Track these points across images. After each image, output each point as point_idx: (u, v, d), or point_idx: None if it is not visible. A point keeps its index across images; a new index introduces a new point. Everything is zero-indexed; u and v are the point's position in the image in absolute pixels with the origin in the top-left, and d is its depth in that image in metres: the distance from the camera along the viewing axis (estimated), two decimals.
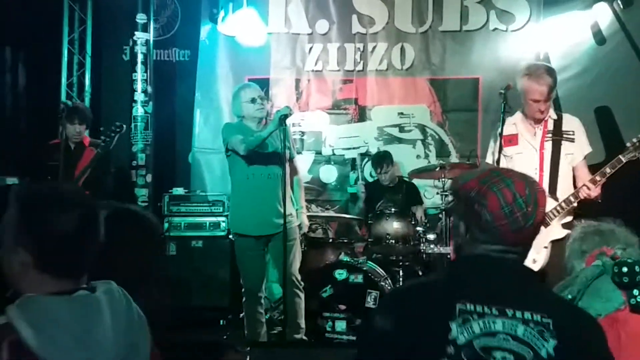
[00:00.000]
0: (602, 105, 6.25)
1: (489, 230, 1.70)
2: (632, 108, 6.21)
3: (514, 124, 4.11)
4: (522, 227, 1.69)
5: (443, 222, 5.82)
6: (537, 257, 3.82)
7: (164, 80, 6.75)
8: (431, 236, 5.70)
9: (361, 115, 6.67)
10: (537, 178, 3.84)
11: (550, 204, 3.78)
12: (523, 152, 3.99)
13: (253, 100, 4.65)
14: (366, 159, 6.63)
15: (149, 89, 6.46)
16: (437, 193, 6.02)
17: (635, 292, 2.16)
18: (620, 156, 3.78)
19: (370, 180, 6.56)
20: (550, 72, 4.00)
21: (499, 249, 1.71)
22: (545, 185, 3.88)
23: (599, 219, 2.52)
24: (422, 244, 5.58)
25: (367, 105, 6.66)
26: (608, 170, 3.79)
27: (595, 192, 3.80)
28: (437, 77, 6.55)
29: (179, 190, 6.38)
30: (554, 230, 3.84)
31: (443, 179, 5.88)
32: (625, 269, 2.19)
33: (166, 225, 6.13)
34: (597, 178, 3.80)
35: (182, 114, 6.91)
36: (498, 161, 3.87)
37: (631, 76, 6.24)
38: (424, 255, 5.72)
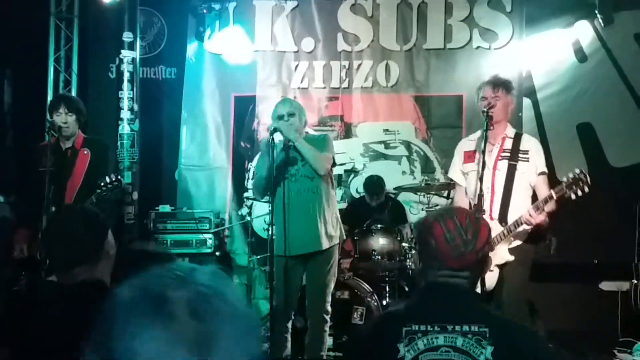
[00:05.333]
0: (584, 122, 6.35)
1: (436, 257, 1.92)
2: (613, 124, 6.32)
3: (474, 140, 4.07)
4: (464, 253, 1.90)
5: None
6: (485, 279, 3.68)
7: (150, 98, 6.69)
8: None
9: (347, 131, 6.70)
10: (488, 198, 3.82)
11: (497, 229, 3.70)
12: (477, 169, 3.85)
13: (280, 118, 4.30)
14: (352, 175, 6.67)
15: (136, 107, 6.36)
16: (423, 209, 6.12)
17: None
18: (552, 191, 3.73)
19: (357, 196, 6.58)
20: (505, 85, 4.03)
21: (446, 273, 1.92)
22: (496, 207, 3.83)
23: None
24: (408, 260, 5.61)
25: (352, 122, 6.70)
26: (550, 197, 3.69)
27: (538, 218, 3.68)
28: (421, 94, 6.59)
29: (166, 208, 6.38)
30: (500, 254, 3.75)
31: (428, 196, 5.98)
32: None
33: (153, 242, 6.01)
34: (540, 204, 3.71)
35: (168, 131, 6.93)
36: (481, 178, 3.74)
37: (613, 93, 6.33)
38: (410, 271, 5.70)
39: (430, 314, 1.88)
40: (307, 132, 4.41)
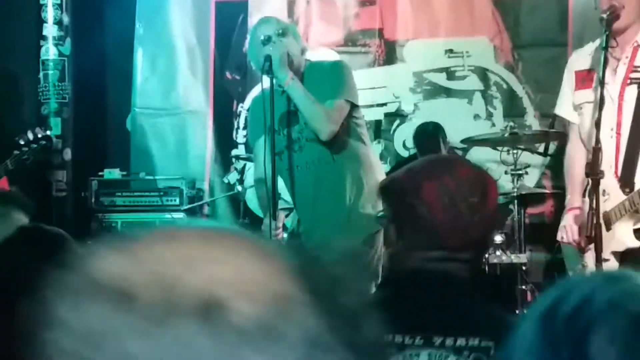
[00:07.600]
0: None
1: (426, 230, 1.58)
2: None
3: (590, 53, 3.35)
4: (470, 223, 1.56)
5: (515, 217, 4.87)
6: None
7: (87, 6, 5.69)
8: (498, 238, 4.73)
9: (389, 54, 5.58)
10: (612, 146, 3.14)
11: (617, 197, 3.04)
12: (594, 99, 3.16)
13: (267, 41, 3.55)
14: (397, 122, 5.59)
15: (65, 19, 5.43)
16: (506, 172, 4.87)
17: None
18: None
19: (404, 154, 5.52)
20: None
21: (439, 255, 1.57)
22: (620, 160, 3.17)
23: None
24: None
25: (397, 39, 5.55)
26: None
27: None
28: None
29: (114, 173, 5.49)
30: (621, 237, 3.11)
31: (515, 152, 4.84)
32: None
33: (95, 225, 5.35)
34: None
35: (115, 56, 5.85)
36: (598, 121, 2.95)
37: None
38: (487, 267, 4.77)
39: (409, 318, 1.45)
40: (308, 60, 3.65)
